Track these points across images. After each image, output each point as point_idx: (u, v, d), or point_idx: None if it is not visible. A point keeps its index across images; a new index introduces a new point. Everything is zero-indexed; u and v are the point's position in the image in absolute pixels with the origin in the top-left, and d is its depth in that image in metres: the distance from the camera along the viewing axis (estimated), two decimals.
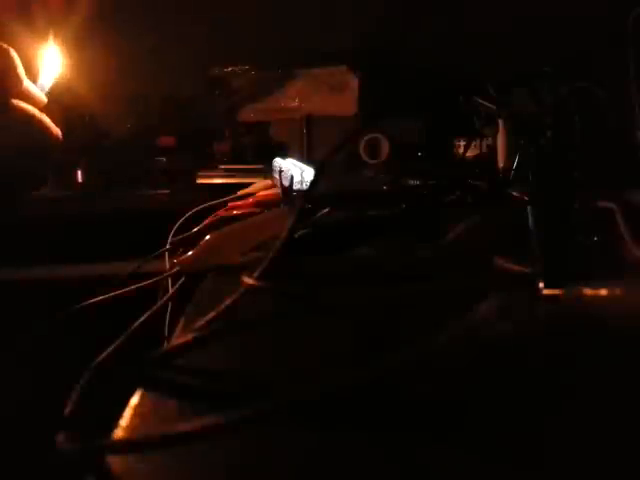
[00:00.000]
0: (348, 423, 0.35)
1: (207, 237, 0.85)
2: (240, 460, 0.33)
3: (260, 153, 1.91)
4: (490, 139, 1.62)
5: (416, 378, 0.36)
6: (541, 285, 0.47)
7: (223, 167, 1.89)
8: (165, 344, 0.41)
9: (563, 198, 0.58)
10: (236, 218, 1.16)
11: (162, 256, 1.00)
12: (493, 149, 1.51)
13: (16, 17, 0.86)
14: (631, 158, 1.21)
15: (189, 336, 0.43)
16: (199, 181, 1.84)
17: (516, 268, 0.62)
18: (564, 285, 0.42)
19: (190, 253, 0.83)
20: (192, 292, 0.75)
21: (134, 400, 0.40)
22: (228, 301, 0.51)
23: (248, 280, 0.56)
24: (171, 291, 0.85)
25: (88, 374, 0.38)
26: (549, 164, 0.64)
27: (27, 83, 0.74)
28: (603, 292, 0.39)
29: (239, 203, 1.35)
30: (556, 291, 0.43)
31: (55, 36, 0.79)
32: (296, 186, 1.29)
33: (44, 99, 0.76)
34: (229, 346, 0.49)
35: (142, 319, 0.63)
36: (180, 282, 0.85)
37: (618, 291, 0.39)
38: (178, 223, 1.21)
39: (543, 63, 1.41)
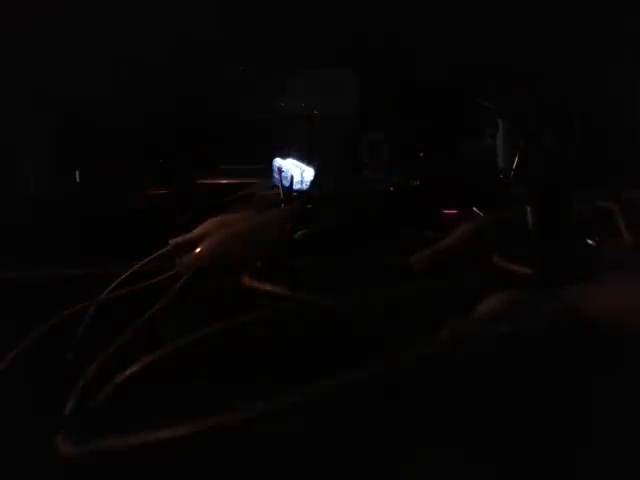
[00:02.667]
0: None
1: (208, 237, 0.85)
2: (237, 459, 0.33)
3: (260, 153, 1.91)
4: (490, 139, 1.62)
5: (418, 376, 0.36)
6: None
7: (223, 167, 1.89)
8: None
9: (563, 198, 0.58)
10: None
11: (162, 257, 1.00)
12: (493, 149, 1.51)
13: None
14: (632, 158, 1.21)
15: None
16: (199, 182, 1.84)
17: (516, 268, 0.63)
18: (563, 285, 0.42)
19: (191, 253, 0.83)
20: (193, 292, 0.75)
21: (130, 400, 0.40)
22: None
23: (248, 281, 0.56)
24: (172, 291, 0.84)
25: (89, 374, 0.38)
26: (549, 164, 0.64)
27: None
28: (601, 291, 0.39)
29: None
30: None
31: None
32: (296, 186, 1.29)
33: None
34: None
35: (142, 320, 0.63)
36: (181, 282, 0.85)
37: (618, 289, 0.39)
38: (178, 223, 1.21)
39: (544, 64, 1.41)
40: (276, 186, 1.41)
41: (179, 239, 1.04)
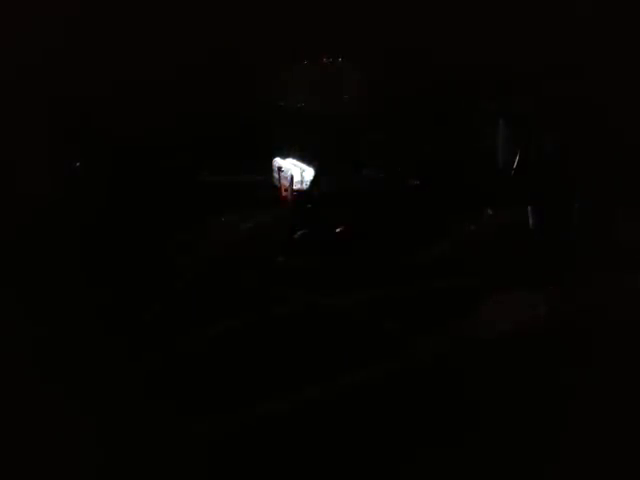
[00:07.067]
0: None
1: None
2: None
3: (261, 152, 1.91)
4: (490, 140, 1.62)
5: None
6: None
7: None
8: None
9: (563, 198, 0.59)
10: None
11: None
12: (493, 150, 1.51)
13: None
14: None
15: None
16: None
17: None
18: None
19: None
20: None
21: None
22: None
23: None
24: None
25: None
26: (550, 165, 0.64)
27: None
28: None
29: None
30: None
31: None
32: (296, 186, 1.30)
33: None
34: None
35: None
36: None
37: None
38: None
39: (543, 65, 1.41)
40: (275, 186, 1.41)
41: None
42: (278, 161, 1.45)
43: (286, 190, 1.29)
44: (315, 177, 1.34)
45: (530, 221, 0.79)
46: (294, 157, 1.52)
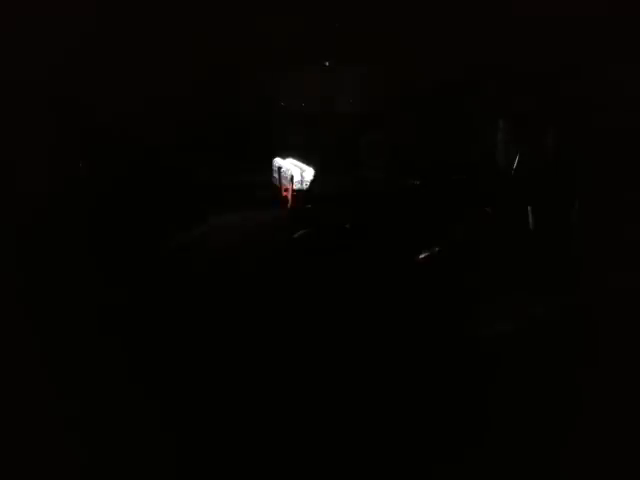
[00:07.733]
0: None
1: None
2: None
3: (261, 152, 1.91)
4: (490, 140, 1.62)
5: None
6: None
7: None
8: None
9: (563, 198, 0.59)
10: None
11: None
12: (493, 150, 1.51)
13: None
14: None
15: None
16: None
17: None
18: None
19: None
20: None
21: None
22: None
23: None
24: None
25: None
26: (550, 164, 0.64)
27: None
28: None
29: None
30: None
31: None
32: (296, 186, 1.30)
33: None
34: None
35: None
36: None
37: None
38: None
39: (543, 64, 1.41)
40: (276, 186, 1.41)
41: None
42: (278, 161, 1.45)
43: (286, 190, 1.29)
44: (315, 177, 1.34)
45: (530, 221, 0.79)
46: (294, 157, 1.53)
